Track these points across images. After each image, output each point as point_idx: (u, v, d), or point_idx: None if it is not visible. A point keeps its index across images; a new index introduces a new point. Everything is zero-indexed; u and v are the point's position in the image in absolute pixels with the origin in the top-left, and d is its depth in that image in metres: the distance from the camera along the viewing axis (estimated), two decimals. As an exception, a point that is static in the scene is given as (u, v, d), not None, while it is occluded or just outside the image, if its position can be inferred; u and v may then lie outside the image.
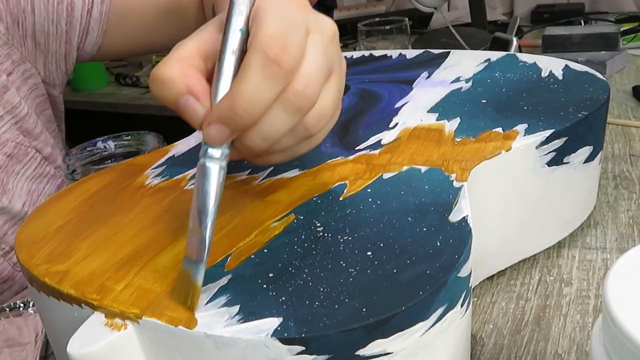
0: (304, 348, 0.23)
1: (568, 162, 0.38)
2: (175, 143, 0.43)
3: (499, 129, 0.38)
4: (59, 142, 0.59)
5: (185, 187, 0.36)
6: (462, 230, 0.28)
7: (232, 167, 0.38)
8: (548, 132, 0.36)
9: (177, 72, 0.26)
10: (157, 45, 0.60)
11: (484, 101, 0.42)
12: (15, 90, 0.52)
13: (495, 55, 0.51)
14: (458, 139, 0.37)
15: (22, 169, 0.53)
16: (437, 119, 0.41)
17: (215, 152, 0.26)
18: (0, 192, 0.50)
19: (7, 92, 0.51)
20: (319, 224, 0.30)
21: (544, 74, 0.46)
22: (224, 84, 0.26)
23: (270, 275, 0.26)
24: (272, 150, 0.28)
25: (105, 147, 0.47)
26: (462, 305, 0.27)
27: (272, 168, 0.37)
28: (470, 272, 0.27)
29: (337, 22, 1.10)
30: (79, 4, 0.54)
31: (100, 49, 0.57)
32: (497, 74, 0.47)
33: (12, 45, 0.52)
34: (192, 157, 0.40)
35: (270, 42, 0.25)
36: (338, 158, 0.37)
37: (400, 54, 0.55)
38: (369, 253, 0.27)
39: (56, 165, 0.58)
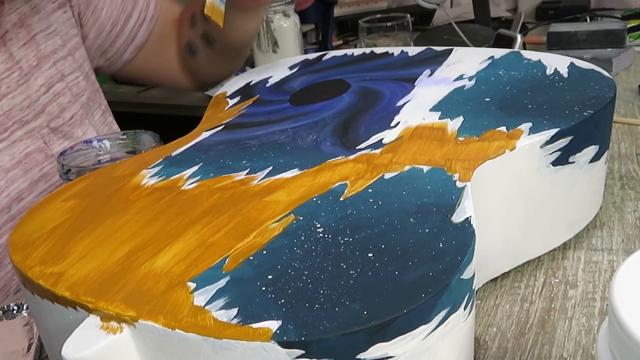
0: (303, 352, 0.23)
1: (573, 162, 0.37)
2: (172, 142, 0.43)
3: (503, 128, 0.37)
4: (107, 106, 0.70)
5: (183, 187, 0.35)
6: (465, 232, 0.28)
7: (231, 166, 0.37)
8: (553, 131, 0.36)
9: None
10: (163, 81, 0.76)
11: (488, 99, 0.42)
12: (83, 50, 0.65)
13: (499, 52, 0.51)
14: (461, 138, 0.37)
15: (94, 112, 0.64)
16: (440, 118, 0.40)
17: None
18: (78, 124, 0.60)
19: (80, 49, 0.64)
20: (319, 225, 0.30)
21: (549, 71, 0.45)
22: None
23: (269, 277, 0.26)
24: None
25: (100, 146, 0.47)
26: (465, 308, 0.26)
27: (271, 167, 0.36)
28: (474, 274, 0.27)
29: (338, 18, 1.09)
30: (135, 15, 0.68)
31: (127, 65, 0.70)
32: (501, 72, 0.47)
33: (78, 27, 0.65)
34: (189, 157, 0.39)
35: None
36: (338, 157, 0.37)
37: (402, 51, 0.55)
38: (370, 255, 0.27)
39: (111, 121, 0.68)
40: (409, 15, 0.84)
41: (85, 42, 0.66)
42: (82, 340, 0.25)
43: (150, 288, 0.26)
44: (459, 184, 0.32)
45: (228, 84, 0.54)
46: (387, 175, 0.34)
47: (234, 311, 0.24)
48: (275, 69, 0.56)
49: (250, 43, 0.72)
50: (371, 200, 0.31)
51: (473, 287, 0.27)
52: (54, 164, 0.58)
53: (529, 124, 0.37)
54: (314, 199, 0.32)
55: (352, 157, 0.37)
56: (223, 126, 0.45)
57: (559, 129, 0.36)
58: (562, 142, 0.36)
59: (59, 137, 0.59)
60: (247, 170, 0.37)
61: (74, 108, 0.61)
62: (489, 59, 0.50)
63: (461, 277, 0.26)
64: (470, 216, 0.29)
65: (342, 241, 0.28)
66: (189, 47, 0.69)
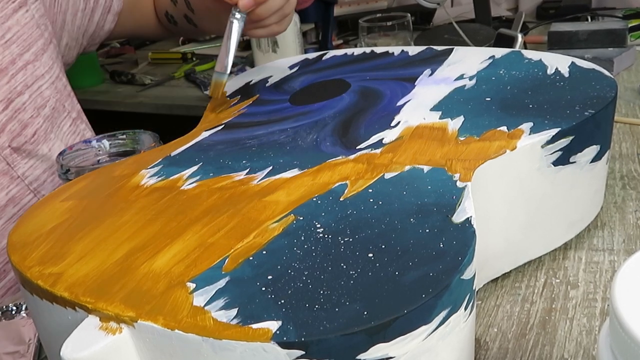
0: (303, 352, 0.22)
1: (574, 162, 0.37)
2: (171, 142, 0.42)
3: (504, 128, 0.37)
4: (82, 112, 0.66)
5: (182, 187, 0.35)
6: (466, 232, 0.28)
7: (230, 166, 0.37)
8: (554, 131, 0.36)
9: None
10: (146, 35, 0.76)
11: (489, 99, 0.42)
12: (50, 52, 0.60)
13: (499, 52, 0.51)
14: (462, 138, 0.37)
15: (61, 123, 0.59)
16: (440, 118, 0.40)
17: (240, 15, 0.49)
18: (42, 140, 0.56)
19: (46, 53, 0.59)
20: (319, 225, 0.30)
21: (550, 71, 0.45)
22: None
23: (269, 277, 0.26)
24: (269, 20, 0.53)
25: (99, 146, 0.46)
26: (465, 309, 0.26)
27: (271, 167, 0.36)
28: (474, 275, 0.27)
29: (338, 18, 1.09)
30: None
31: (109, 34, 0.68)
32: (501, 71, 0.46)
33: (47, 18, 0.60)
34: (189, 157, 0.39)
35: None
36: (339, 157, 0.37)
37: (403, 50, 0.55)
38: (370, 255, 0.27)
39: (83, 128, 0.64)
40: (409, 15, 0.83)
41: (64, 28, 0.63)
42: (81, 340, 0.24)
43: (149, 288, 0.26)
44: (459, 184, 0.32)
45: (228, 83, 0.54)
46: (388, 175, 0.34)
47: (234, 311, 0.24)
48: (275, 68, 0.56)
49: None
50: (371, 200, 0.31)
51: (474, 288, 0.27)
52: (21, 185, 0.55)
53: (530, 124, 0.37)
54: (314, 199, 0.32)
55: (352, 157, 0.36)
56: (223, 126, 0.45)
57: (560, 128, 0.36)
58: (563, 142, 0.36)
59: (22, 156, 0.55)
60: (247, 170, 0.36)
61: (37, 123, 0.56)
62: (489, 58, 0.50)
63: (462, 277, 0.25)
64: (471, 216, 0.29)
65: (342, 241, 0.28)
66: (169, 17, 0.67)
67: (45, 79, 0.58)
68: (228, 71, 0.49)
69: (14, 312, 0.38)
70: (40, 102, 0.57)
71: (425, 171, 0.34)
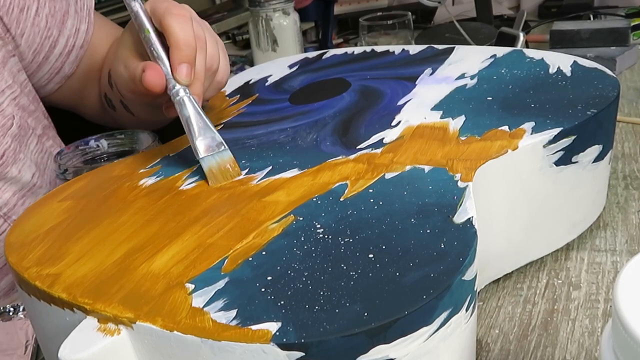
0: (303, 354, 0.22)
1: (577, 162, 0.37)
2: (170, 142, 0.42)
3: (505, 127, 0.37)
4: (51, 125, 0.61)
5: (181, 187, 0.35)
6: (467, 232, 0.27)
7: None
8: (556, 131, 0.36)
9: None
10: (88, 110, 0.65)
11: (490, 98, 0.42)
12: (11, 66, 0.55)
13: (501, 51, 0.50)
14: (463, 138, 0.37)
15: (28, 141, 0.55)
16: (441, 117, 0.40)
17: (183, 90, 0.39)
18: (11, 162, 0.52)
19: (6, 67, 0.54)
20: (319, 226, 0.29)
21: (552, 70, 0.45)
22: (162, 53, 0.40)
23: (269, 278, 0.26)
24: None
25: (98, 146, 0.46)
26: (467, 310, 0.26)
27: (270, 167, 0.36)
28: (476, 275, 0.27)
29: (338, 16, 1.09)
30: (62, 41, 0.58)
31: (50, 95, 0.61)
32: (503, 71, 0.46)
33: (7, 32, 0.55)
34: (188, 157, 0.39)
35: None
36: (339, 157, 0.36)
37: (403, 49, 0.55)
38: (371, 255, 0.27)
39: (50, 145, 0.59)
40: (410, 13, 0.83)
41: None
42: (79, 342, 0.24)
43: (148, 289, 0.26)
44: (460, 184, 0.32)
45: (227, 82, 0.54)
46: (388, 175, 0.34)
47: (233, 312, 0.24)
48: (274, 67, 0.56)
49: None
50: (372, 200, 0.31)
51: (475, 289, 0.27)
52: None
53: (532, 123, 0.37)
54: (314, 199, 0.32)
55: (352, 156, 0.36)
56: (222, 125, 0.44)
57: (562, 128, 0.36)
58: (565, 142, 0.36)
59: None
60: (247, 170, 0.36)
61: (5, 143, 0.51)
62: (491, 57, 0.49)
63: (463, 278, 0.25)
64: (472, 217, 0.29)
65: (342, 242, 0.28)
66: (108, 100, 0.58)
67: (6, 94, 0.52)
68: (222, 143, 0.37)
69: (11, 313, 0.38)
70: (2, 121, 0.51)
71: (426, 171, 0.33)
